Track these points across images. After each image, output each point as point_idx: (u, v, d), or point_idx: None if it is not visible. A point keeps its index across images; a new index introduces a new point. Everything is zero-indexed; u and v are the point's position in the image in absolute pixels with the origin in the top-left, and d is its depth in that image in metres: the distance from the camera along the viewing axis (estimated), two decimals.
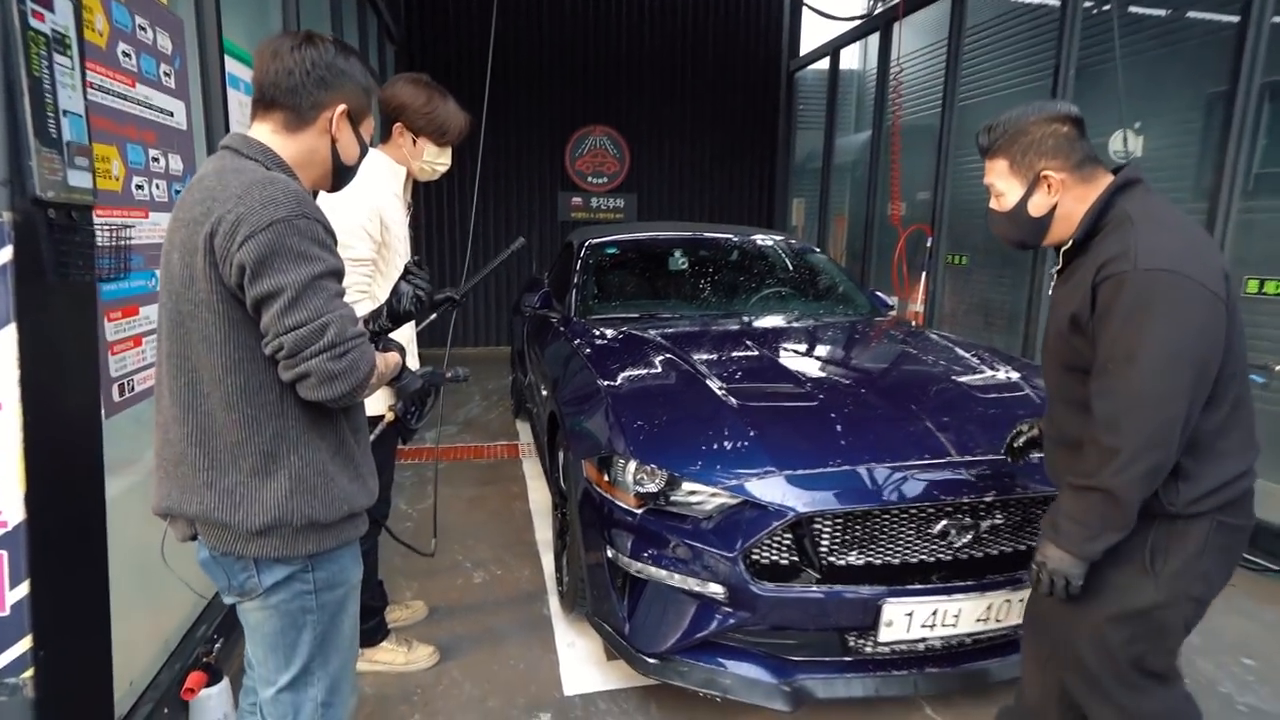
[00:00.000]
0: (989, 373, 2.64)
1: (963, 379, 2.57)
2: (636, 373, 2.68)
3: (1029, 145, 1.52)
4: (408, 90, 2.12)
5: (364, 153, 1.50)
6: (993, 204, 1.61)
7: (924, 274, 5.64)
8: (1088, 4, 4.41)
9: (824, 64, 7.75)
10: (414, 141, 2.16)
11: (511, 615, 2.83)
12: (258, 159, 1.33)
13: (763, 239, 4.23)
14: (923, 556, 2.04)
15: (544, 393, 3.36)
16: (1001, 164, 1.56)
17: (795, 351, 2.95)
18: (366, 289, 2.06)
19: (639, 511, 2.12)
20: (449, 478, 4.39)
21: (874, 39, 6.85)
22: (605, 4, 8.15)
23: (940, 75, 5.68)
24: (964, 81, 5.47)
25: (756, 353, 2.86)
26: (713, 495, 2.04)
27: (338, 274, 1.32)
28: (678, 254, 4.00)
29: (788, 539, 2.01)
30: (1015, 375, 2.61)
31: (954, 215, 5.55)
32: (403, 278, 1.71)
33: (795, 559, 2.02)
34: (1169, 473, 1.40)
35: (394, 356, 1.57)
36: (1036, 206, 1.54)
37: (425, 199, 7.93)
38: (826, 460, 2.04)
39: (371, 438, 2.04)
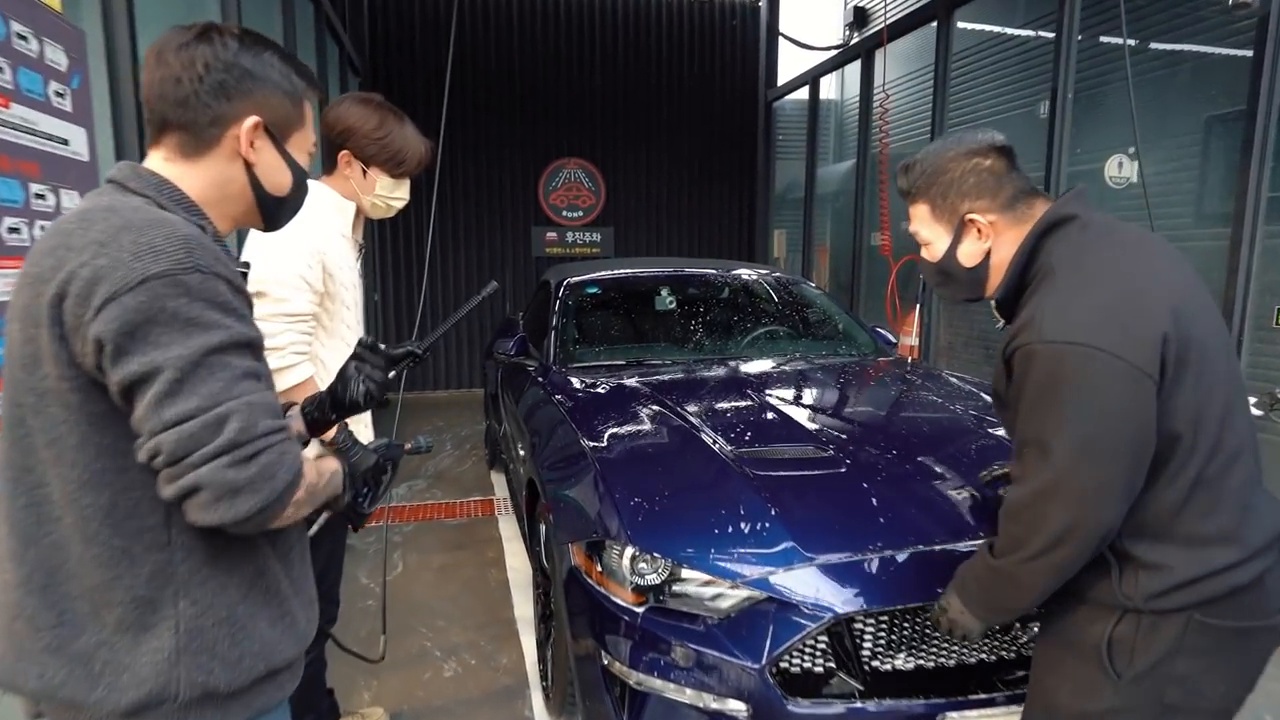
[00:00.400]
0: None
1: (1001, 432, 2.25)
2: (628, 432, 2.34)
3: (949, 186, 1.33)
4: (356, 111, 1.79)
5: (300, 177, 1.16)
6: (923, 253, 1.44)
7: (918, 306, 5.39)
8: (1080, 38, 4.24)
9: (803, 93, 7.59)
10: (364, 172, 1.82)
11: (489, 718, 2.43)
12: (148, 194, 0.99)
13: (754, 273, 3.94)
14: (983, 655, 1.70)
15: (521, 452, 2.99)
16: (923, 209, 1.38)
17: (803, 402, 2.63)
18: (306, 349, 1.70)
19: (639, 610, 1.76)
20: (417, 541, 3.98)
21: (854, 67, 6.70)
22: (579, 35, 7.94)
23: (928, 101, 5.50)
24: (953, 106, 5.29)
25: (760, 404, 2.52)
26: (731, 589, 1.69)
27: (249, 346, 0.96)
28: (665, 292, 3.68)
29: (822, 641, 1.66)
30: None
31: None
32: (351, 359, 1.39)
33: (831, 664, 1.66)
34: (1132, 560, 1.20)
35: (330, 465, 1.18)
36: (968, 255, 1.35)
37: (386, 235, 7.57)
38: (865, 544, 1.69)
39: (312, 531, 1.68)
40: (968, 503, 1.83)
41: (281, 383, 1.66)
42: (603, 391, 2.78)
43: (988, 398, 2.57)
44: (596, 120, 8.03)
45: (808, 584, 1.63)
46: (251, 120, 1.04)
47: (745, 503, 1.82)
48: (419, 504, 4.57)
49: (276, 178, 1.11)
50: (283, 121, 1.10)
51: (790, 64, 8.13)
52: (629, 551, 1.80)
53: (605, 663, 1.82)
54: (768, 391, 2.66)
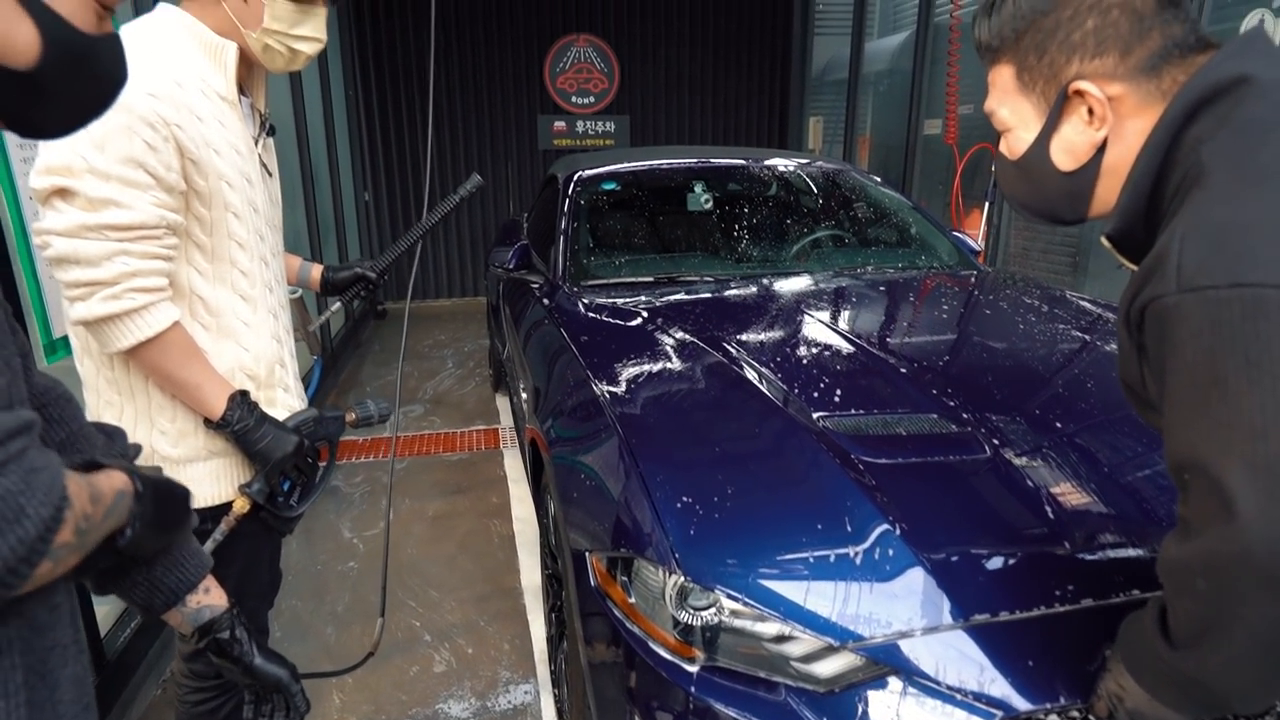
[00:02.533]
0: None
1: None
2: (663, 384, 1.71)
3: (1050, 34, 0.82)
4: None
5: (59, 32, 0.55)
6: (1001, 145, 0.93)
7: (988, 204, 4.63)
8: None
9: None
10: None
11: None
12: None
13: (801, 165, 3.20)
14: None
15: (523, 394, 2.39)
16: (1006, 74, 0.87)
17: (897, 338, 1.98)
18: (160, 284, 1.06)
19: (693, 669, 1.19)
20: (411, 482, 3.46)
21: None
22: None
23: None
24: None
25: (842, 341, 1.88)
26: (831, 649, 1.10)
27: None
28: (699, 189, 2.97)
29: None
30: None
31: None
32: (274, 466, 1.15)
33: None
34: None
35: (111, 483, 0.62)
36: (1066, 149, 0.84)
37: (375, 121, 6.73)
38: (1049, 590, 1.09)
39: (217, 539, 1.17)
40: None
41: (120, 338, 1.04)
42: (626, 321, 2.14)
43: None
44: None
45: (961, 659, 1.04)
46: None
47: (853, 512, 1.21)
48: (415, 434, 4.04)
49: None
50: None
51: None
52: (675, 580, 1.21)
53: None
54: (849, 321, 2.01)
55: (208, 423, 1.15)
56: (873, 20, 6.90)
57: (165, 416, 1.15)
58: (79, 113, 0.61)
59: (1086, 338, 1.87)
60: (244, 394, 1.16)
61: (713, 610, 1.20)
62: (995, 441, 1.35)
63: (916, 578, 1.11)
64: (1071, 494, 1.24)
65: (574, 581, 1.47)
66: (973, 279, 2.54)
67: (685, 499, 1.28)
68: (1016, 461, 1.31)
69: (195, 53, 1.11)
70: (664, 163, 3.13)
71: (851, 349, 1.81)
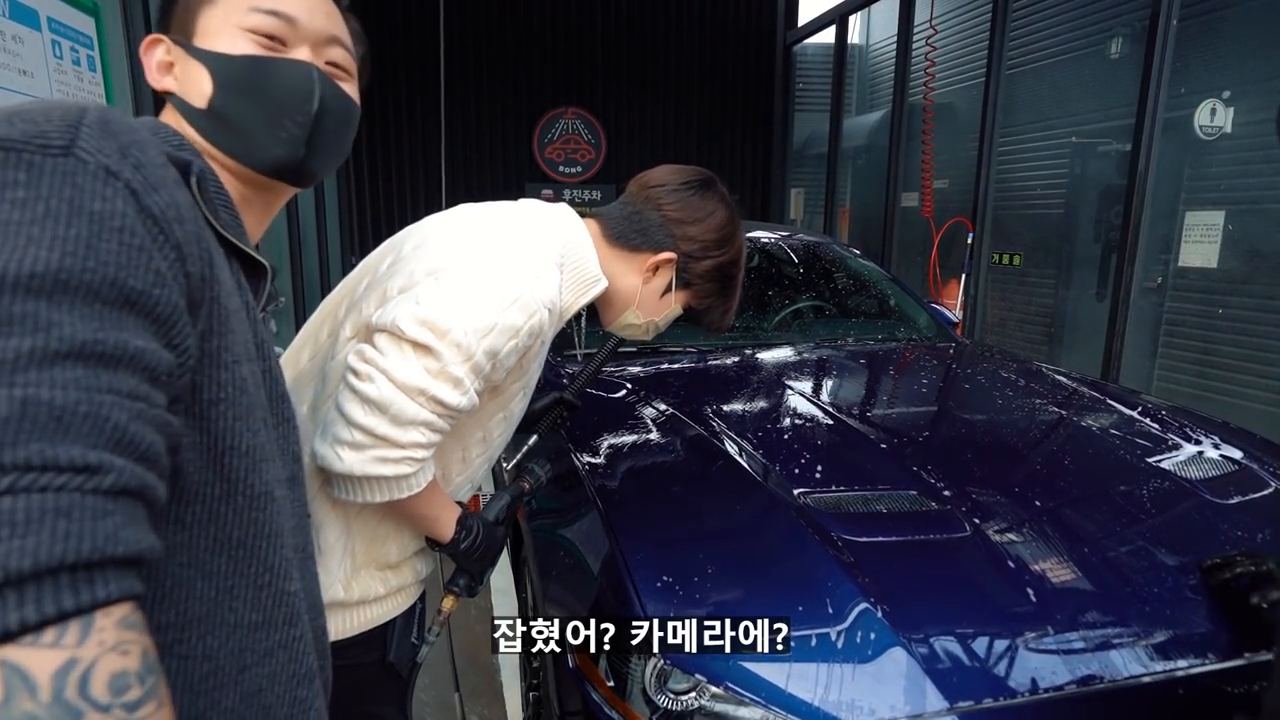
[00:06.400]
0: (1192, 449, 1.71)
1: (1170, 463, 1.62)
2: (648, 463, 1.71)
3: None
4: (720, 220, 1.16)
5: (220, 67, 0.70)
6: None
7: (964, 275, 4.74)
8: None
9: (827, 35, 6.82)
10: (668, 289, 1.17)
11: None
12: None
13: (781, 237, 3.28)
14: None
15: (502, 463, 2.37)
16: None
17: (877, 411, 2.00)
18: (429, 454, 0.96)
19: None
20: None
21: (884, 5, 5.94)
22: None
23: (978, 41, 4.78)
24: (1014, 43, 4.56)
25: (820, 414, 1.89)
26: None
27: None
28: None
29: None
30: (1238, 455, 1.67)
31: (1000, 206, 4.65)
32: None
33: None
34: None
35: None
36: None
37: (366, 190, 6.85)
38: (1035, 677, 1.07)
39: (430, 640, 1.25)
40: (1175, 592, 1.21)
41: (373, 493, 0.96)
42: (608, 393, 2.15)
43: (1122, 407, 1.94)
44: (597, 66, 7.25)
45: None
46: None
47: (834, 592, 1.19)
48: None
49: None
50: None
51: (813, 1, 7.33)
52: (654, 664, 1.19)
53: None
54: (827, 394, 2.03)
55: (430, 544, 1.10)
56: (850, 98, 7.18)
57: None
58: (334, 162, 0.77)
59: (1063, 412, 1.90)
60: (462, 506, 1.11)
61: (693, 695, 1.17)
62: (975, 519, 1.35)
63: (900, 661, 1.09)
64: (1053, 574, 1.24)
65: (552, 663, 1.43)
66: (951, 350, 2.58)
67: (665, 578, 1.26)
68: (997, 540, 1.31)
69: (572, 269, 1.09)
70: None
71: (832, 423, 1.82)
